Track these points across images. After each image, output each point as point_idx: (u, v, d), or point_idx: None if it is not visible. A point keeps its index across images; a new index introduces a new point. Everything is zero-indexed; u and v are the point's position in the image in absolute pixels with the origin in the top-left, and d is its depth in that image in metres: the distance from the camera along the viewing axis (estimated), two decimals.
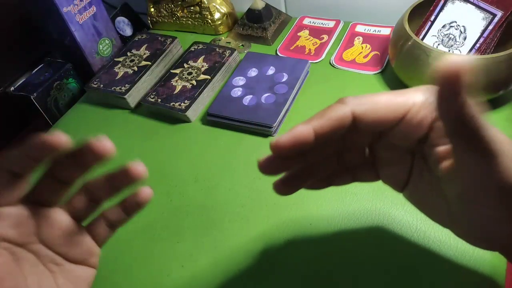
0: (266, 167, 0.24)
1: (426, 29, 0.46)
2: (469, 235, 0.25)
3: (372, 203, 0.37)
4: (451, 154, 0.22)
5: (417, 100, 0.22)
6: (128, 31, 0.68)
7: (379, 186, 0.28)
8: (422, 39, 0.46)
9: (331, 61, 0.54)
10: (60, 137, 0.25)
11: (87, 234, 0.32)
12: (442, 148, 0.22)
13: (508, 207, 0.21)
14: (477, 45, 0.43)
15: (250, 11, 0.60)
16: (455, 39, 0.44)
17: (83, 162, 0.27)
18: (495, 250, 0.25)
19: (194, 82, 0.52)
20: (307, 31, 0.60)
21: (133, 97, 0.53)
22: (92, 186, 0.30)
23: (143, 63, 0.56)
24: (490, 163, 0.19)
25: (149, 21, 0.68)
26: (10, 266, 0.27)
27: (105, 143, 0.26)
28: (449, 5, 0.44)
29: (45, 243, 0.29)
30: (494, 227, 0.22)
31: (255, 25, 0.60)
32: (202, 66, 0.54)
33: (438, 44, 0.45)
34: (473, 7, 0.43)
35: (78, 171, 0.28)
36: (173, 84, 0.53)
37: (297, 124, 0.22)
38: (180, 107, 0.49)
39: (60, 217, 0.30)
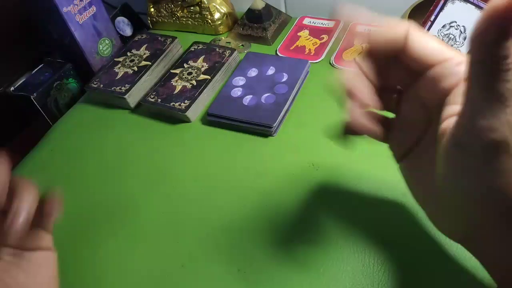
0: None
1: (426, 29, 0.46)
2: (441, 219, 0.26)
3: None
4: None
5: (458, 56, 0.24)
6: (128, 31, 0.68)
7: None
8: None
9: (331, 61, 0.54)
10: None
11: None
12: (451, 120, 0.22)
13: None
14: None
15: (250, 11, 0.60)
16: (455, 39, 0.44)
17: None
18: (462, 243, 0.26)
19: (194, 82, 0.52)
20: (307, 31, 0.60)
21: (133, 97, 0.54)
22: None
23: (143, 63, 0.56)
24: (499, 111, 0.18)
25: (149, 21, 0.68)
26: None
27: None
28: (449, 5, 0.44)
29: None
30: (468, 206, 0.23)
31: (255, 25, 0.60)
32: (202, 66, 0.54)
33: None
34: (473, 7, 0.43)
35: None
36: (173, 84, 0.53)
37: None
38: (180, 107, 0.49)
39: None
